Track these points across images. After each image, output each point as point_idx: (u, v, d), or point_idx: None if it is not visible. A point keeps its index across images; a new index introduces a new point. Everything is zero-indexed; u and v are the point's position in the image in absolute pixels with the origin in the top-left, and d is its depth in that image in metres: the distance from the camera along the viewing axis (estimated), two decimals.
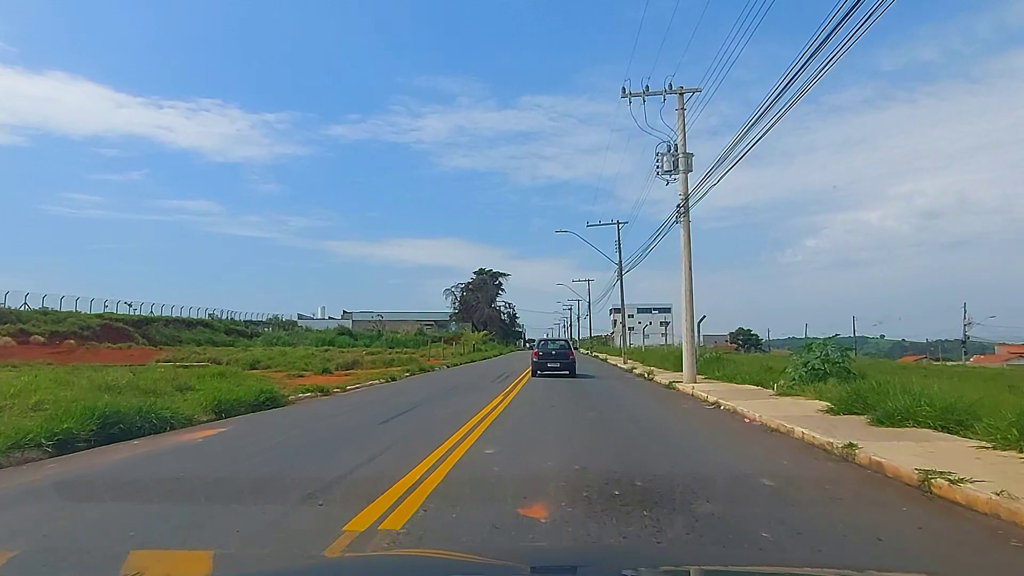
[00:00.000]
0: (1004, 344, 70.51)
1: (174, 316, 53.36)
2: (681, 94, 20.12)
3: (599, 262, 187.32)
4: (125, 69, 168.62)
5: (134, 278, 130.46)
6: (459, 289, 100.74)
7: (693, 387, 18.73)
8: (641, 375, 27.99)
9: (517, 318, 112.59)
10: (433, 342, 72.41)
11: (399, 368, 28.87)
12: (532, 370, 25.52)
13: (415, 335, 75.63)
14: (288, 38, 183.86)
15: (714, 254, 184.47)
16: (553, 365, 25.57)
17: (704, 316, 35.58)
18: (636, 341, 78.57)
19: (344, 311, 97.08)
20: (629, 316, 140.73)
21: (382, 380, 22.72)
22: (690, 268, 16.96)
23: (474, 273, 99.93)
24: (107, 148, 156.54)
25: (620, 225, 42.46)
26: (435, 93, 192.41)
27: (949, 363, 41.53)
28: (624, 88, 21.32)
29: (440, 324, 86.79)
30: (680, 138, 19.62)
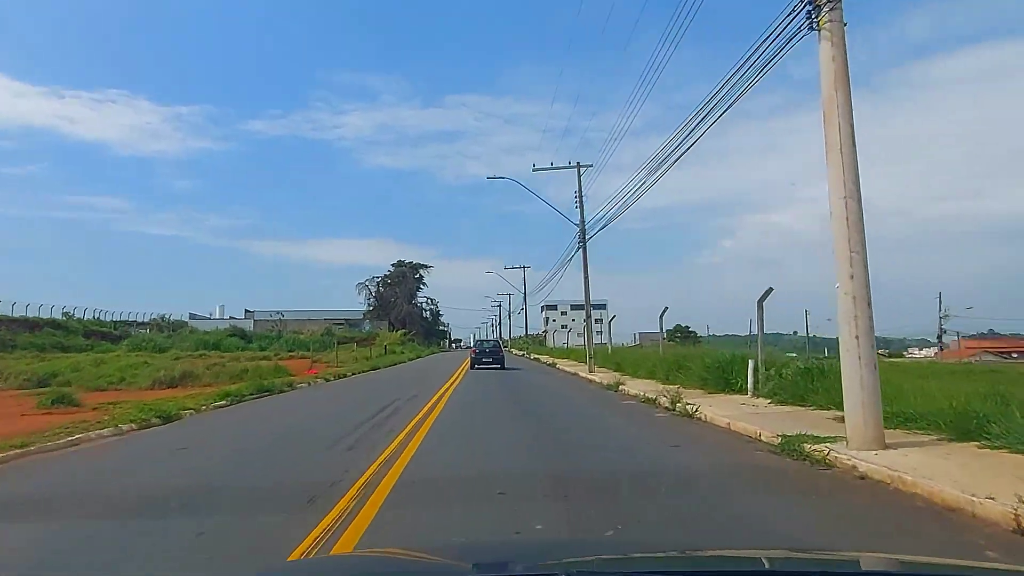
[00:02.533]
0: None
1: (15, 316, 46.11)
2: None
3: (531, 259, 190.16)
4: (23, 56, 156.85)
5: (25, 279, 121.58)
6: (374, 283, 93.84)
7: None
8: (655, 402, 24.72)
9: (441, 316, 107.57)
10: (342, 343, 67.84)
11: (248, 382, 21.35)
12: (471, 364, 34.15)
13: (321, 335, 70.69)
14: (201, 27, 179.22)
15: (651, 253, 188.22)
16: (487, 360, 34.09)
17: (614, 316, 32.79)
18: (567, 340, 76.19)
19: (246, 310, 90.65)
20: (562, 313, 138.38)
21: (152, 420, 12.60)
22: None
23: (392, 265, 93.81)
24: (3, 140, 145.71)
25: (581, 168, 31.50)
26: (358, 90, 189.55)
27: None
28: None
29: (352, 323, 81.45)
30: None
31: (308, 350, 54.54)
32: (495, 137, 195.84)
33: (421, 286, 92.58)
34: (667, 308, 24.81)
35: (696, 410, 11.98)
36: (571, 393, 19.06)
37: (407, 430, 10.76)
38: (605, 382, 20.61)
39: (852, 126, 7.71)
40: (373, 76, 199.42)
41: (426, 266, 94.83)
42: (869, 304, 7.50)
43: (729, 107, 11.37)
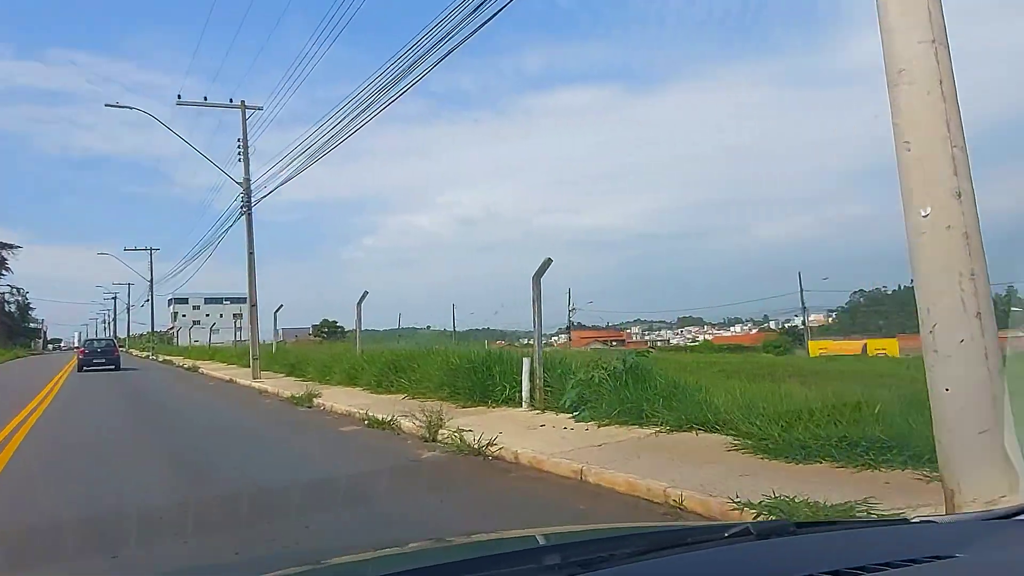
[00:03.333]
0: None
1: None
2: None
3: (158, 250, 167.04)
4: None
5: None
6: None
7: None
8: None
9: (32, 310, 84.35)
10: None
11: None
12: (78, 366, 29.45)
13: None
14: None
15: (292, 246, 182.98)
16: (99, 361, 29.19)
17: (281, 305, 27.62)
18: (209, 338, 63.86)
19: None
20: (194, 308, 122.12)
21: None
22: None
23: None
24: None
25: (248, 109, 23.15)
26: None
27: None
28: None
29: None
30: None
31: None
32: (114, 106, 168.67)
33: (3, 273, 70.69)
34: (282, 305, 25.29)
35: (484, 442, 7.46)
36: (243, 417, 13.07)
37: None
38: (287, 394, 14.91)
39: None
40: None
41: (10, 246, 72.67)
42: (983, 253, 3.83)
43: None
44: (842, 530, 1.87)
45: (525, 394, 10.24)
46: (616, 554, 1.42)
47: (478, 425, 8.58)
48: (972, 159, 3.89)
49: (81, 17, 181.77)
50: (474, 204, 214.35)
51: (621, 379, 8.70)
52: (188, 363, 31.61)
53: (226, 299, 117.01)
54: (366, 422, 10.30)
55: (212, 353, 35.40)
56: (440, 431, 8.56)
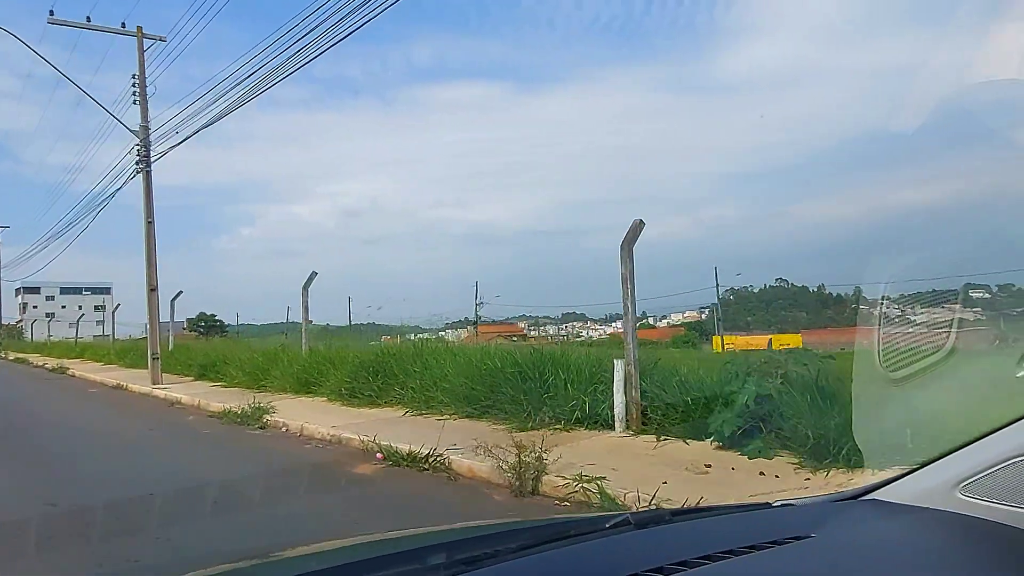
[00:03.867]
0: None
1: None
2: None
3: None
4: None
5: None
6: None
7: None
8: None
9: None
10: None
11: None
12: None
13: None
14: None
15: (165, 234, 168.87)
16: None
17: (180, 292, 22.85)
18: (61, 332, 55.11)
19: None
20: (48, 298, 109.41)
21: None
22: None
23: None
24: None
25: (147, 39, 18.44)
26: None
27: None
28: None
29: None
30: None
31: None
32: None
33: None
34: (181, 292, 21.64)
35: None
36: (165, 446, 9.17)
37: None
38: (216, 407, 11.13)
39: None
40: None
41: None
42: None
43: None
44: (713, 516, 1.93)
45: (619, 411, 7.20)
46: (501, 550, 1.46)
47: (579, 461, 5.60)
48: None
49: None
50: (359, 195, 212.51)
51: (809, 394, 5.85)
52: (51, 362, 25.96)
53: (86, 289, 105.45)
54: (386, 459, 6.88)
55: (81, 350, 29.54)
56: (543, 476, 5.45)
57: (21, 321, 77.16)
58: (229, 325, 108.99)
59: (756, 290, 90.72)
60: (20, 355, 35.70)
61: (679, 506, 3.96)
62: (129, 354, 22.82)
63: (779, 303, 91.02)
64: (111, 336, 30.82)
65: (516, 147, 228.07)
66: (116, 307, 27.95)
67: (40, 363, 27.48)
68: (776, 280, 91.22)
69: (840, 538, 1.59)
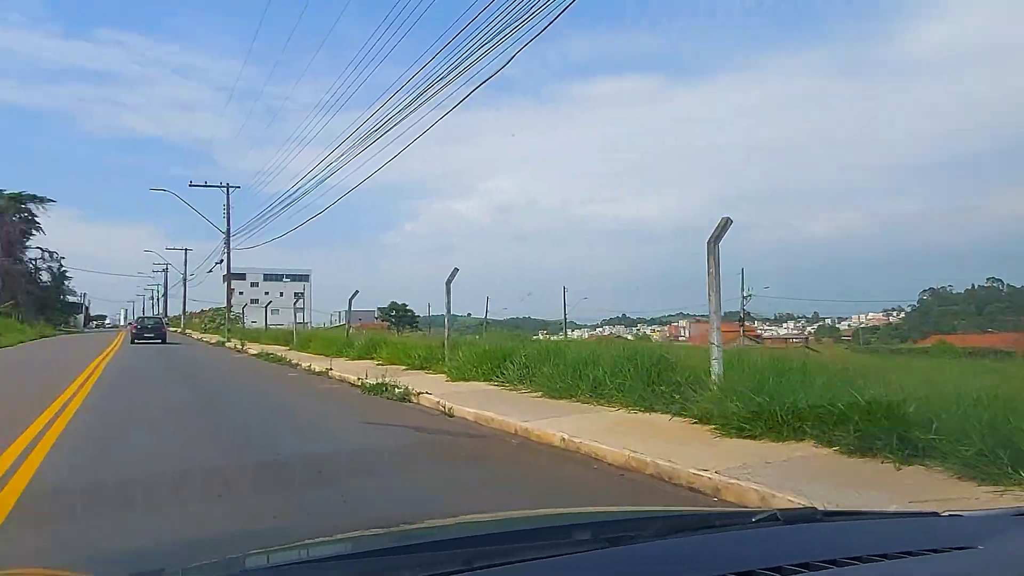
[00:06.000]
0: None
1: None
2: None
3: (201, 230, 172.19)
4: None
5: None
6: None
7: None
8: None
9: (69, 280, 74.32)
10: None
11: None
12: (131, 339, 35.02)
13: None
14: None
15: (336, 230, 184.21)
16: (149, 335, 35.03)
17: (357, 292, 22.66)
18: (260, 317, 53.62)
19: None
20: (252, 284, 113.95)
21: None
22: None
23: None
24: None
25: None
26: None
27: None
28: None
29: None
30: None
31: None
32: (161, 88, 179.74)
33: (33, 232, 61.17)
34: (357, 291, 22.18)
35: None
36: None
37: None
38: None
39: None
40: None
41: (42, 199, 61.10)
42: None
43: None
44: (869, 520, 1.91)
45: None
46: (645, 533, 1.52)
47: None
48: None
49: None
50: (513, 192, 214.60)
51: None
52: (302, 360, 20.48)
53: (286, 276, 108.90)
54: None
55: (306, 339, 24.81)
56: None
57: (232, 307, 78.38)
58: (419, 316, 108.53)
59: (958, 291, 79.57)
60: (247, 344, 31.07)
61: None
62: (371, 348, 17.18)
63: (995, 305, 77.14)
64: (304, 321, 31.07)
65: (669, 141, 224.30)
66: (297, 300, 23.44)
67: (274, 352, 22.76)
68: (988, 280, 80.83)
69: (1011, 551, 1.48)
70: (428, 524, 2.08)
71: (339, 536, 1.89)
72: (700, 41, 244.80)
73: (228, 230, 39.83)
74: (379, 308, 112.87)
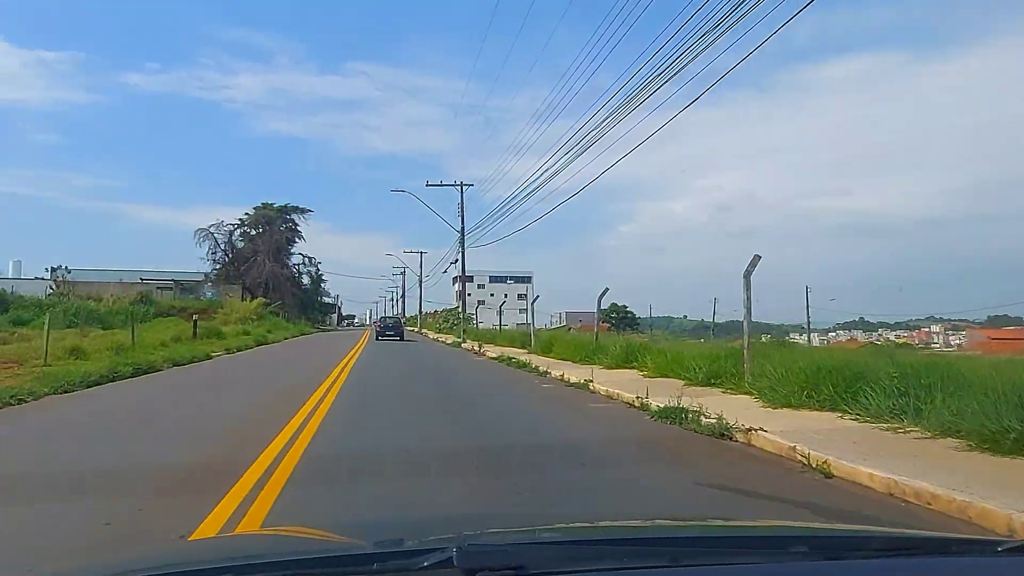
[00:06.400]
0: None
1: None
2: None
3: (433, 237, 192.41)
4: None
5: None
6: (224, 232, 63.72)
7: None
8: None
9: (325, 282, 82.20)
10: (167, 315, 46.39)
11: None
12: (375, 336, 40.90)
13: (130, 305, 47.90)
14: None
15: (553, 233, 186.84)
16: (389, 333, 40.70)
17: (607, 289, 21.13)
18: (489, 319, 54.59)
19: (52, 268, 64.75)
20: (479, 287, 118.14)
21: None
22: None
23: (252, 208, 65.35)
24: None
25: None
26: (250, 49, 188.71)
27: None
28: None
29: (185, 287, 57.24)
30: None
31: (89, 327, 33.36)
32: (397, 109, 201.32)
33: (296, 239, 67.84)
34: (607, 289, 20.64)
35: None
36: None
37: None
38: None
39: None
40: (266, 35, 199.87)
41: (303, 210, 67.23)
42: None
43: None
44: None
45: None
46: (869, 551, 1.47)
47: None
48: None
49: (370, 30, 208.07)
50: (731, 188, 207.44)
51: None
52: (537, 362, 18.78)
53: (509, 278, 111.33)
54: None
55: (547, 342, 23.06)
56: None
57: (457, 308, 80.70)
58: (640, 318, 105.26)
59: None
60: (482, 345, 30.83)
61: None
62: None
63: None
64: (526, 322, 30.96)
65: (908, 124, 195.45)
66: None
67: (535, 366, 17.59)
68: None
69: None
70: (634, 523, 2.27)
71: (560, 525, 2.09)
72: (950, 9, 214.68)
73: (463, 228, 39.79)
74: (601, 309, 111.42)
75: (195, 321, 30.55)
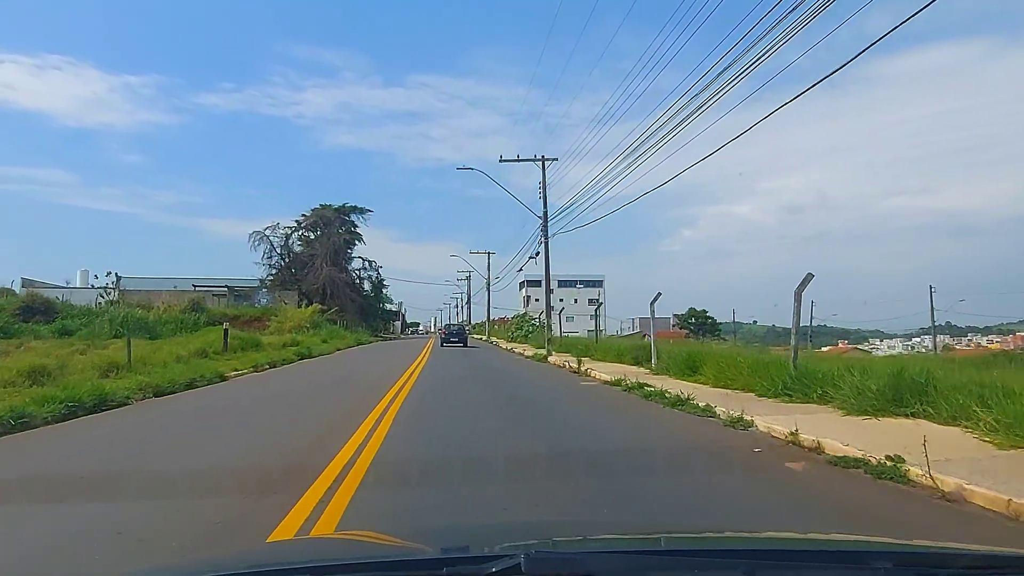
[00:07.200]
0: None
1: None
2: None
3: (498, 245, 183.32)
4: None
5: None
6: (280, 235, 59.96)
7: None
8: None
9: (386, 288, 77.28)
10: (219, 322, 42.18)
11: None
12: (441, 342, 43.28)
13: (181, 313, 44.39)
14: None
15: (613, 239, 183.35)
16: (453, 340, 42.95)
17: (660, 294, 19.39)
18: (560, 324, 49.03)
19: (112, 272, 62.69)
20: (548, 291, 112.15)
21: None
22: None
23: (310, 210, 61.30)
24: None
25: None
26: (317, 66, 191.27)
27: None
28: None
29: (239, 294, 53.16)
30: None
31: (151, 334, 32.43)
32: (459, 120, 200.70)
33: (354, 242, 62.99)
34: (660, 294, 19.44)
35: None
36: None
37: None
38: None
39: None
40: (333, 52, 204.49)
41: (363, 210, 62.48)
42: None
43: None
44: None
45: None
46: (952, 568, 1.41)
47: None
48: None
49: (432, 43, 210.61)
50: (801, 190, 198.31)
51: None
52: (692, 392, 12.73)
53: (579, 282, 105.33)
54: None
55: (693, 359, 16.84)
56: None
57: (525, 314, 75.52)
58: (722, 323, 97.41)
59: None
60: (598, 363, 24.77)
61: None
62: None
63: None
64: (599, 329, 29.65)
65: (997, 116, 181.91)
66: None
67: (693, 399, 10.90)
68: None
69: None
70: (709, 534, 2.24)
71: (630, 535, 2.09)
72: None
73: (545, 210, 33.37)
74: (675, 315, 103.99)
75: (225, 330, 26.07)
